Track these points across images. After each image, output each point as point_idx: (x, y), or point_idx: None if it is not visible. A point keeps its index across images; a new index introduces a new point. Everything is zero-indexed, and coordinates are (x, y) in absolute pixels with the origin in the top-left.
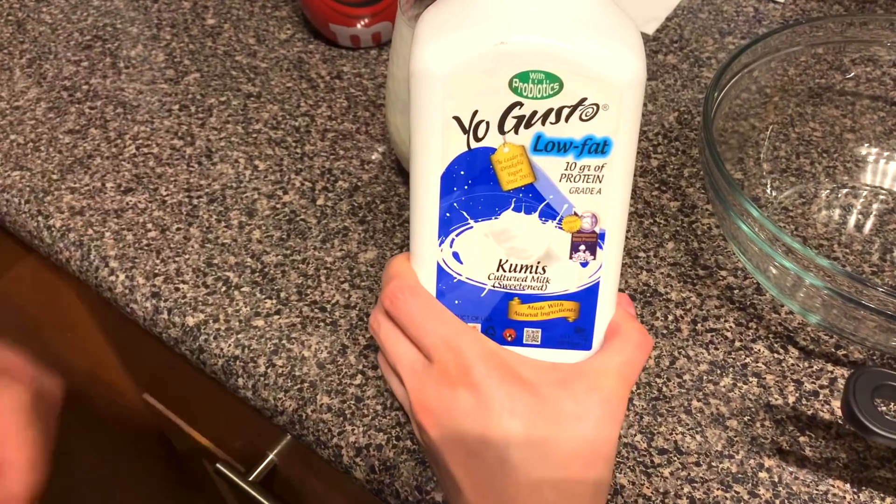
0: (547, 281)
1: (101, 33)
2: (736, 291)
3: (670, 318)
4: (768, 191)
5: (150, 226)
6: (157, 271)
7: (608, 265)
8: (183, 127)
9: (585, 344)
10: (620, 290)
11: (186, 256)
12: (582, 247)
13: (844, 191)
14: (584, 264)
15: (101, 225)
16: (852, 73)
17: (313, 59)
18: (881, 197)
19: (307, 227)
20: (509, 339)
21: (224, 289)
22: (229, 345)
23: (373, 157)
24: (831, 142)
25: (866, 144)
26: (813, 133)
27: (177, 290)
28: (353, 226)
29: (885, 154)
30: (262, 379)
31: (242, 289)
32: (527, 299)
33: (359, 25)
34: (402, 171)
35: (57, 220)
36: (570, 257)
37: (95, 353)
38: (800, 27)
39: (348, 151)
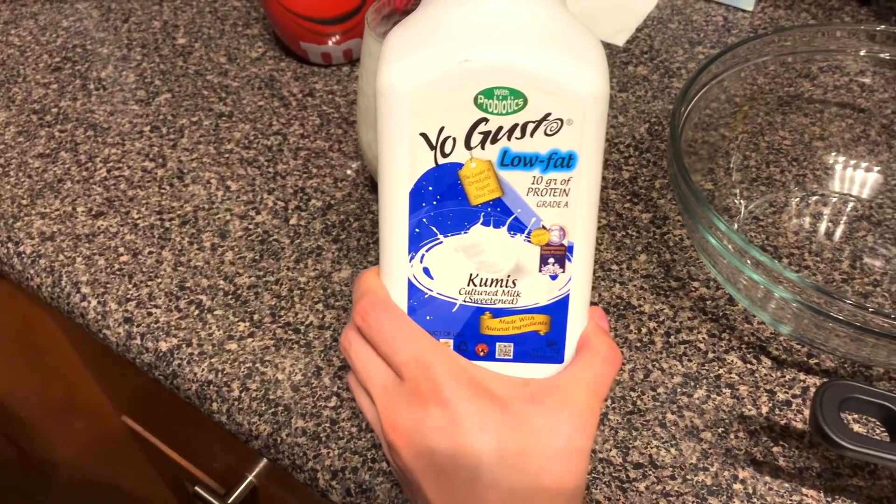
0: (517, 295)
1: (71, 55)
2: (708, 302)
3: (644, 330)
4: (739, 200)
5: (121, 250)
6: (129, 296)
7: (578, 277)
8: (154, 148)
9: (557, 357)
10: (594, 304)
11: (159, 280)
12: (551, 260)
13: (814, 198)
14: (554, 277)
15: (73, 250)
16: (820, 82)
17: (285, 77)
18: (850, 204)
19: (280, 247)
20: (482, 353)
21: (197, 312)
22: (203, 369)
23: (346, 175)
24: (801, 150)
25: (835, 152)
26: (783, 142)
27: (149, 314)
28: (326, 245)
29: (853, 161)
30: (236, 403)
31: (215, 312)
32: (498, 313)
33: (330, 43)
34: (375, 188)
35: (27, 246)
36: (540, 270)
37: (74, 376)
38: (768, 37)
39: (321, 169)
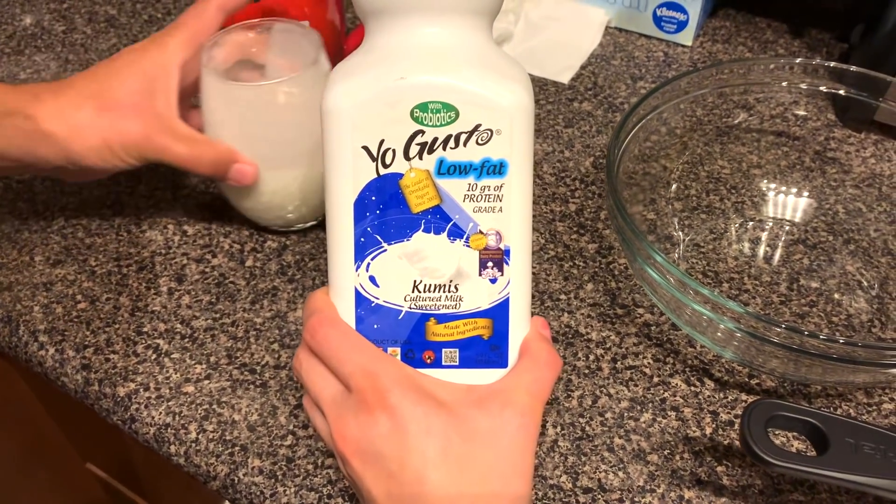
0: (460, 299)
1: None
2: (653, 328)
3: (591, 357)
4: (680, 229)
5: (79, 297)
6: (87, 343)
7: (516, 280)
8: (112, 196)
9: (501, 361)
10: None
11: (116, 326)
12: (490, 263)
13: (751, 224)
14: (494, 280)
15: (30, 299)
16: (756, 112)
17: None
18: (786, 228)
19: (236, 289)
20: (429, 361)
21: (154, 356)
22: (160, 413)
23: None
24: (739, 178)
25: (771, 179)
26: (721, 170)
27: (107, 360)
28: (282, 285)
29: (789, 187)
30: (193, 445)
31: (172, 355)
32: (442, 319)
33: None
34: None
35: None
36: (480, 274)
37: (37, 425)
38: (706, 70)
39: None
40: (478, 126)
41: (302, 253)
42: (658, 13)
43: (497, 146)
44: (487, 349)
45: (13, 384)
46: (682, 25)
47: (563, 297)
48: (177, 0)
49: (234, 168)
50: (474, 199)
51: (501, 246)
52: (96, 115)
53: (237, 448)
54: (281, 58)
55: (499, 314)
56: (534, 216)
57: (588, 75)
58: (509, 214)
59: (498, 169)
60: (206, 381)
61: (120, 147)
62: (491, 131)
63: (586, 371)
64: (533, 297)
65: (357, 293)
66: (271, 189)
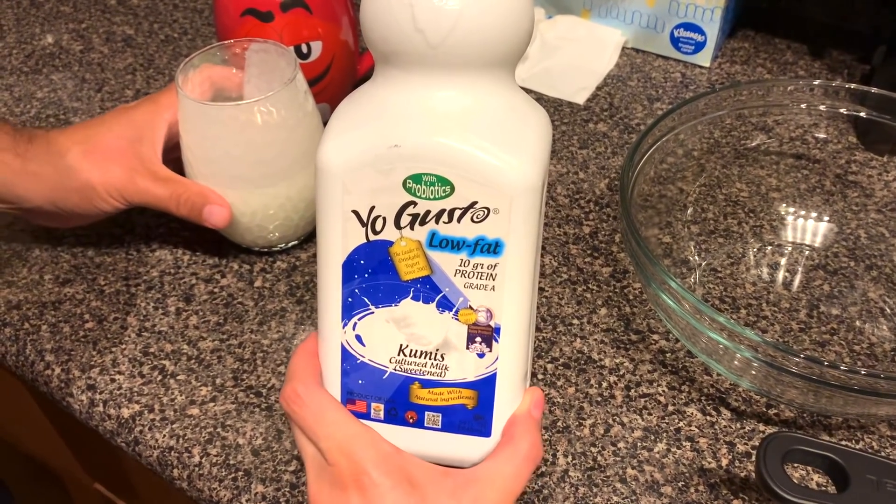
0: (445, 368)
1: (44, 125)
2: (668, 355)
3: (604, 384)
4: (697, 253)
5: (87, 316)
6: (93, 363)
7: (505, 358)
8: (122, 215)
9: (485, 431)
10: (538, 386)
11: (123, 346)
12: (478, 339)
13: (770, 248)
14: (481, 355)
15: (38, 318)
16: (776, 134)
17: None
18: (806, 253)
19: (244, 310)
20: (411, 420)
21: (160, 378)
22: (164, 435)
23: (312, 236)
24: (757, 201)
25: (791, 203)
26: (740, 193)
27: (112, 381)
28: (290, 306)
29: (809, 212)
30: (196, 469)
31: (178, 377)
32: (427, 384)
33: None
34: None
35: None
36: (467, 347)
37: (46, 443)
38: (724, 91)
39: None
40: (474, 203)
41: (311, 274)
42: (675, 34)
43: (493, 225)
44: (471, 418)
45: (24, 403)
46: (699, 46)
47: (575, 321)
48: (193, 21)
49: (206, 209)
50: (466, 274)
51: (492, 323)
52: (82, 158)
53: (241, 473)
54: (258, 77)
55: (484, 387)
56: (547, 238)
57: (604, 96)
58: (502, 293)
59: (493, 248)
60: (212, 404)
61: (104, 189)
62: (487, 210)
63: (599, 399)
64: (545, 321)
65: (343, 349)
66: (251, 209)
